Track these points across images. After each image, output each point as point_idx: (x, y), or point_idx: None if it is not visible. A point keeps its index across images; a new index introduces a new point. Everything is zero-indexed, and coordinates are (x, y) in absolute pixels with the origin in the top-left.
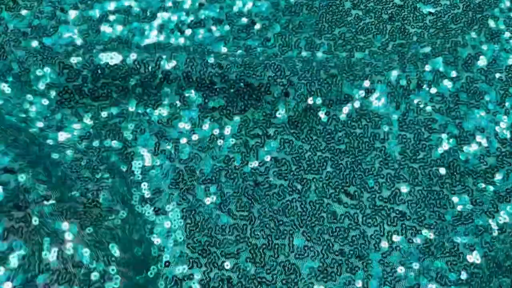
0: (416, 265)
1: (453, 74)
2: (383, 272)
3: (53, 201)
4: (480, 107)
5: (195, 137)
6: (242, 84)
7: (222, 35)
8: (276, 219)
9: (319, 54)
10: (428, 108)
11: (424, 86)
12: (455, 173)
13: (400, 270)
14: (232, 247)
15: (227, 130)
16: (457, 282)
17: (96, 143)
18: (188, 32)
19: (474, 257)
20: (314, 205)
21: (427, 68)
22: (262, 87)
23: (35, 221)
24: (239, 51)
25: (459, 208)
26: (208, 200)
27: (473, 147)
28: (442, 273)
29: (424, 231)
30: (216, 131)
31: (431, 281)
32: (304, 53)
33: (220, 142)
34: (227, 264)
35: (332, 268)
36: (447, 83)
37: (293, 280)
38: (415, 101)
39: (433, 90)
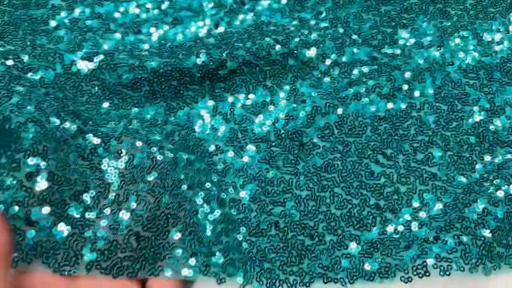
0: (441, 222)
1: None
2: (413, 224)
3: None
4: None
5: (248, 102)
6: (293, 57)
7: (279, 8)
8: (319, 175)
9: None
10: (463, 84)
11: (460, 63)
12: (484, 142)
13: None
14: (279, 196)
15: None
16: (481, 233)
17: None
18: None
19: (498, 213)
20: (353, 164)
21: (463, 47)
22: (312, 62)
23: None
24: (294, 22)
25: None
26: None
27: (502, 120)
28: (467, 224)
29: (451, 190)
30: (268, 98)
31: (457, 231)
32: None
33: (271, 107)
34: (275, 211)
35: (368, 220)
36: (482, 61)
37: (333, 227)
38: (451, 76)
39: (468, 67)
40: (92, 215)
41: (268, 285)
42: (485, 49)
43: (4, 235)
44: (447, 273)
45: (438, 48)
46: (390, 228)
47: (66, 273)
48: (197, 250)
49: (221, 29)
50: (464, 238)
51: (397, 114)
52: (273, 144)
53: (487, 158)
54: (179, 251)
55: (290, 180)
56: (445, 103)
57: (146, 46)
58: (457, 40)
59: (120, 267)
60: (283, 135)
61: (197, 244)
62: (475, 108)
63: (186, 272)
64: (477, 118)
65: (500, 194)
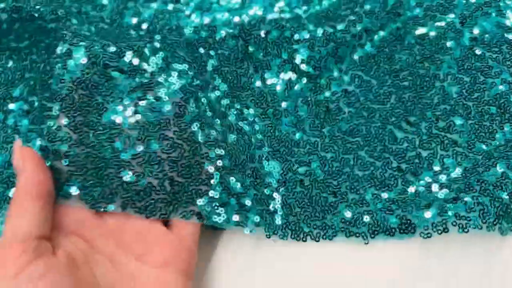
0: (461, 184)
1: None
2: (433, 185)
3: None
4: None
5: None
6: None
7: None
8: (343, 139)
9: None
10: (486, 57)
11: (483, 37)
12: (505, 113)
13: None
14: (304, 157)
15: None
16: (499, 195)
17: None
18: None
19: None
20: (377, 129)
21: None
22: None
23: None
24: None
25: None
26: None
27: None
28: (486, 186)
29: (472, 156)
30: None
31: (475, 192)
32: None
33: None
34: (300, 170)
35: (390, 181)
36: (506, 36)
37: (355, 187)
38: (475, 50)
39: (491, 41)
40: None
41: (292, 237)
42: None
43: (44, 174)
44: (465, 230)
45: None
46: (411, 189)
47: (102, 209)
48: (226, 200)
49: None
50: (483, 199)
51: (421, 84)
52: (301, 108)
53: (507, 128)
54: (210, 199)
55: (316, 143)
56: (468, 75)
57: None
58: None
59: (154, 208)
60: (310, 100)
61: (227, 194)
62: (497, 80)
63: (216, 219)
64: (499, 88)
65: None
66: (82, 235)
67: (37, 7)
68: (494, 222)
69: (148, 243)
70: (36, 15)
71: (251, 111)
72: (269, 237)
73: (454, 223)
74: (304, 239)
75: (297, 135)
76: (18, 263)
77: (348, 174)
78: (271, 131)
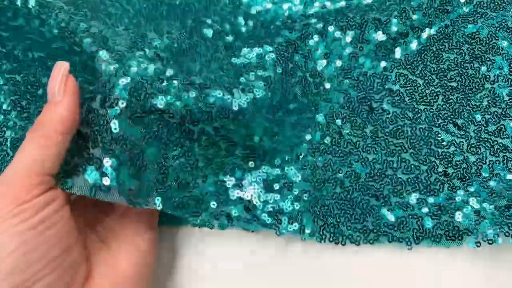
0: None
1: None
2: (482, 192)
3: None
4: None
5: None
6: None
7: None
8: (387, 140)
9: None
10: None
11: None
12: None
13: (499, 191)
14: (345, 157)
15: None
16: None
17: None
18: None
19: None
20: (423, 131)
21: None
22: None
23: None
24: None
25: None
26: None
27: None
28: None
29: None
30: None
31: None
32: None
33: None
34: (341, 170)
35: (435, 185)
36: None
37: (398, 191)
38: None
39: None
40: None
41: (331, 240)
42: None
43: (78, 114)
44: None
45: None
46: (458, 194)
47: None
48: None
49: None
50: None
51: (470, 85)
52: (342, 106)
53: None
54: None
55: (357, 143)
56: None
57: None
58: None
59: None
60: (352, 99)
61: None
62: None
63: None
64: None
65: None
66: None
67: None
68: None
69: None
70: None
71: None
72: (305, 240)
73: (507, 234)
74: (343, 242)
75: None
76: (36, 191)
77: (391, 177)
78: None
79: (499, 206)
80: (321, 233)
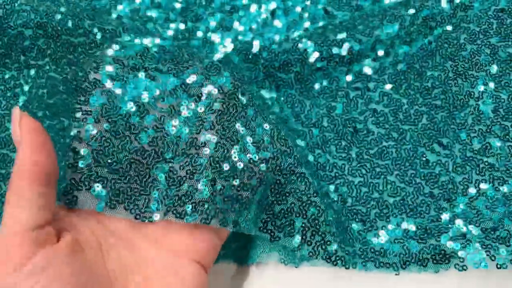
0: (501, 209)
1: None
2: (469, 213)
3: None
4: None
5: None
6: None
7: None
8: (372, 162)
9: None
10: None
11: None
12: None
13: (486, 212)
14: (331, 181)
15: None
16: None
17: None
18: None
19: None
20: (408, 152)
21: None
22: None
23: None
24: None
25: None
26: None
27: None
28: None
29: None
30: (323, 82)
31: None
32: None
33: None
34: (328, 196)
35: (421, 207)
36: None
37: (385, 214)
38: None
39: None
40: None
41: (323, 257)
42: None
43: (43, 154)
44: (504, 266)
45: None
46: (445, 216)
47: (146, 220)
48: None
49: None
50: None
51: (454, 103)
52: (326, 129)
53: None
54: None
55: (343, 166)
56: (506, 92)
57: None
58: None
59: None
60: (336, 120)
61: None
62: None
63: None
64: None
65: None
66: (100, 218)
67: (63, 21)
68: None
69: (166, 228)
70: (61, 28)
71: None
72: (296, 251)
73: (493, 258)
74: (335, 262)
75: (323, 158)
76: (17, 257)
77: (377, 200)
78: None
79: (485, 228)
80: (314, 248)
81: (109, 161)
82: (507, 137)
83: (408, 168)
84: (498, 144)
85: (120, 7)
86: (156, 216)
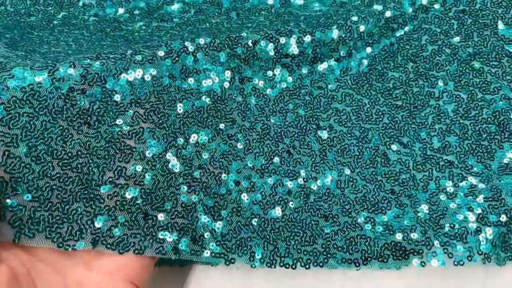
0: (459, 203)
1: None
2: (429, 209)
3: None
4: None
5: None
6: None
7: None
8: (335, 159)
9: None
10: (484, 71)
11: (481, 50)
12: (504, 131)
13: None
14: (294, 177)
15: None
16: (496, 223)
17: None
18: None
19: None
20: (370, 150)
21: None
22: (333, 44)
23: None
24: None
25: (505, 160)
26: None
27: None
28: (483, 214)
29: (470, 178)
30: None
31: (473, 219)
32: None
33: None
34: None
35: (383, 204)
36: (507, 49)
37: (347, 210)
38: (472, 65)
39: (490, 55)
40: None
41: (281, 265)
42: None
43: None
44: (461, 263)
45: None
46: (405, 212)
47: (69, 248)
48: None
49: None
50: (480, 227)
51: (415, 103)
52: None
53: (506, 147)
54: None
55: (306, 162)
56: (465, 91)
57: None
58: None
59: (127, 244)
60: (300, 117)
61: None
62: (496, 97)
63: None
64: (499, 105)
65: None
66: (26, 247)
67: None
68: (491, 253)
69: (97, 250)
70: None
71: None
72: (254, 267)
73: (450, 255)
74: (293, 266)
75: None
76: None
77: (340, 197)
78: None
79: (443, 225)
80: (270, 258)
81: (28, 188)
82: (465, 135)
83: (369, 165)
84: (457, 142)
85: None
86: (80, 245)
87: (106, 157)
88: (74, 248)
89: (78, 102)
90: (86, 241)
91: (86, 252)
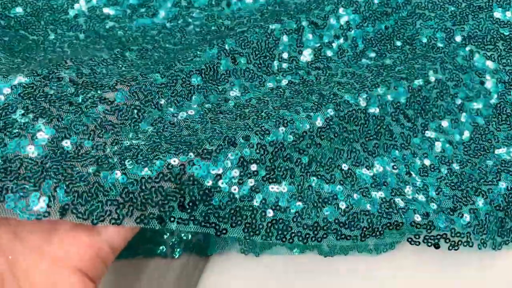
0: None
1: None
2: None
3: None
4: None
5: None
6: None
7: None
8: (341, 125)
9: None
10: (480, 55)
11: (476, 33)
12: (501, 114)
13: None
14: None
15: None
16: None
17: None
18: None
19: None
20: (376, 119)
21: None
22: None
23: None
24: None
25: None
26: None
27: None
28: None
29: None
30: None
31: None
32: None
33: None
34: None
35: (386, 179)
36: (501, 32)
37: (350, 182)
38: (467, 49)
39: (485, 38)
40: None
41: (278, 237)
42: None
43: None
44: (455, 248)
45: None
46: (407, 190)
47: (33, 217)
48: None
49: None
50: (479, 212)
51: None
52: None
53: (504, 130)
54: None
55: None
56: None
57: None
58: None
59: (102, 212)
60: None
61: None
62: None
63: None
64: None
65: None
66: None
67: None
68: (488, 238)
69: (50, 233)
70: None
71: None
72: (248, 239)
73: (448, 240)
74: (291, 240)
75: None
76: None
77: (341, 168)
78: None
79: (445, 208)
80: (267, 230)
81: None
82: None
83: (373, 137)
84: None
85: (77, 6)
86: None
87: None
88: (39, 218)
89: None
90: (53, 210)
91: (40, 236)
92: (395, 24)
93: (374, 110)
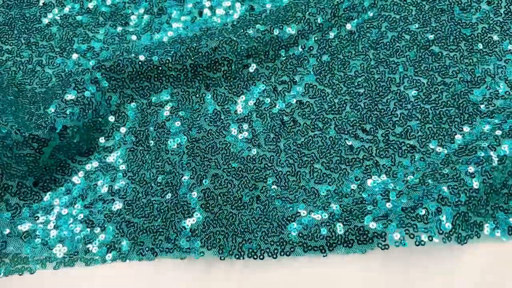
0: (420, 188)
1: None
2: (392, 192)
3: None
4: (492, 55)
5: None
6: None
7: None
8: (299, 152)
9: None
10: (443, 56)
11: (439, 35)
12: (464, 113)
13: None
14: (260, 173)
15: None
16: (456, 203)
17: None
18: None
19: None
20: (333, 140)
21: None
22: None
23: None
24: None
25: (458, 136)
26: (240, 136)
27: (482, 91)
28: (444, 195)
29: (430, 160)
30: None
31: (433, 201)
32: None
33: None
34: (257, 186)
35: (347, 191)
36: (463, 32)
37: (312, 200)
38: (431, 49)
39: (448, 39)
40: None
41: (249, 256)
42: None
43: None
44: (422, 243)
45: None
46: (368, 194)
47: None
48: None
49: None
50: (441, 208)
51: (377, 89)
52: (255, 123)
53: (467, 129)
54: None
55: (271, 157)
56: (425, 76)
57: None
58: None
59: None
60: (265, 114)
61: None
62: (455, 80)
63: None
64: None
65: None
66: None
67: None
68: (451, 232)
69: None
70: None
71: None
72: (223, 259)
73: (412, 236)
74: (261, 257)
75: (253, 151)
76: None
77: (305, 188)
78: (226, 147)
79: (405, 208)
80: (239, 250)
81: None
82: (426, 119)
83: (333, 155)
84: (418, 126)
85: (50, 16)
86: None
87: None
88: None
89: None
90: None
91: None
92: (361, 28)
93: (331, 133)
